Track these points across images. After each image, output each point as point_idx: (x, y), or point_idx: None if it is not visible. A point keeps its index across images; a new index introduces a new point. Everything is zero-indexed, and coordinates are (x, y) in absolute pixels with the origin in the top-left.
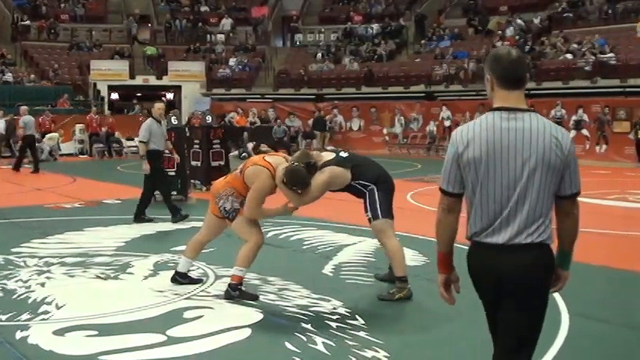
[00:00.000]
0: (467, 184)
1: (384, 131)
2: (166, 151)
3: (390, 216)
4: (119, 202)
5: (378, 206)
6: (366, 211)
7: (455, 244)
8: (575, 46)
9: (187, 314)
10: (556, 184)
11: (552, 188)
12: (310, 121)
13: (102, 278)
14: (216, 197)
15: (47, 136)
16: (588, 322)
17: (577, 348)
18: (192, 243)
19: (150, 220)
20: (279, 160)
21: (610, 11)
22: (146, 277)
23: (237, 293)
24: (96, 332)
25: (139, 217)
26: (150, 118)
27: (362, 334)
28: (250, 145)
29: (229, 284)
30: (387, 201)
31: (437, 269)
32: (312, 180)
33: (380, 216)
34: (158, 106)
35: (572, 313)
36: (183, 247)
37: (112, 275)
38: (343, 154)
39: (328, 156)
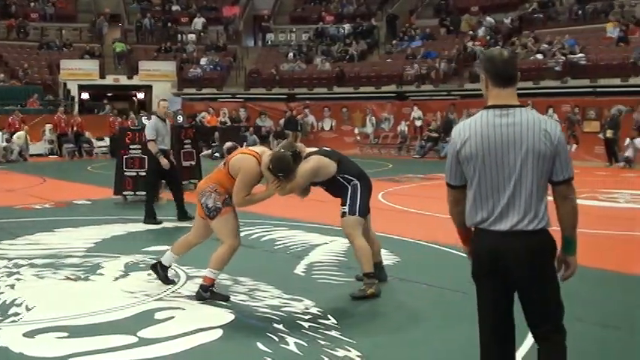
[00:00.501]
0: (468, 177)
1: (356, 131)
2: (138, 151)
3: (365, 215)
4: (89, 202)
5: (357, 203)
6: (344, 205)
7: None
8: (545, 46)
9: (159, 315)
10: (548, 172)
11: (545, 176)
12: (282, 121)
13: (72, 279)
14: (200, 195)
15: (15, 135)
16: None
17: None
18: (181, 240)
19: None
20: (263, 149)
21: (580, 12)
22: (117, 279)
23: (208, 294)
24: (66, 334)
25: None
26: (154, 117)
27: (334, 333)
28: (229, 144)
29: (201, 285)
30: (366, 199)
31: (462, 245)
32: (297, 168)
33: (356, 213)
34: (162, 104)
35: None
36: (154, 248)
37: (83, 276)
38: (327, 149)
39: (312, 149)
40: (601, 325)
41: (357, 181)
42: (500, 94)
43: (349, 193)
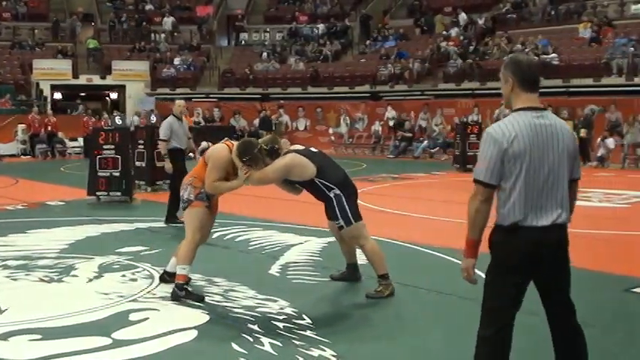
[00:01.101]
0: (508, 176)
1: (330, 131)
2: (111, 152)
3: (360, 217)
4: (63, 203)
5: (348, 212)
6: (337, 219)
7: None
8: (518, 46)
9: (133, 316)
10: (571, 170)
11: (570, 174)
12: (256, 121)
13: (45, 281)
14: (181, 189)
15: None
16: (530, 317)
17: (519, 342)
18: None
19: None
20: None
21: (553, 12)
22: (90, 280)
23: (183, 293)
24: (40, 336)
25: (171, 219)
26: (171, 116)
27: (309, 333)
28: (204, 145)
29: (175, 284)
30: (355, 205)
31: (464, 256)
32: (272, 162)
33: (353, 221)
34: (179, 103)
35: None
36: (128, 249)
37: (56, 278)
38: (313, 149)
39: (298, 147)
40: None
41: (338, 191)
42: (530, 97)
43: (335, 206)
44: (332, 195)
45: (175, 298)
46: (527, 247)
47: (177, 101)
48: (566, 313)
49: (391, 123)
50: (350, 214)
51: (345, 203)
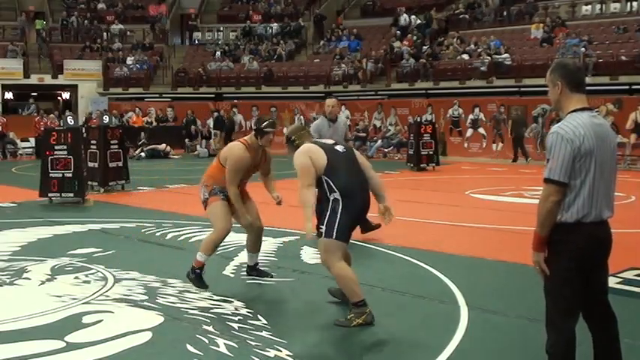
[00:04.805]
0: (578, 174)
1: (285, 131)
2: (64, 152)
3: (345, 238)
4: (14, 205)
5: (336, 225)
6: (321, 224)
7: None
8: (471, 47)
9: (86, 319)
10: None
11: None
12: (209, 121)
13: None
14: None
15: None
16: (486, 314)
17: (476, 340)
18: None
19: (377, 226)
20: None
21: (505, 13)
22: (43, 282)
23: (193, 276)
24: None
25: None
26: (321, 117)
27: (264, 334)
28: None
29: (191, 267)
30: (348, 222)
31: (535, 251)
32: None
33: (333, 236)
34: (328, 103)
35: (470, 307)
36: (80, 251)
37: (8, 281)
38: (339, 148)
39: (327, 141)
40: (527, 319)
41: (338, 196)
42: (581, 98)
43: (329, 209)
44: (330, 199)
45: (187, 276)
46: (590, 242)
47: (327, 100)
48: (607, 305)
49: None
50: (335, 229)
51: (338, 215)
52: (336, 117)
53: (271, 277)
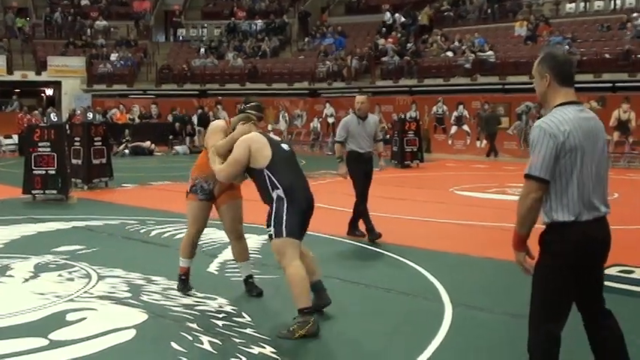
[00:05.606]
0: (563, 172)
1: (269, 127)
2: (47, 149)
3: (297, 235)
4: None
5: (283, 222)
6: (268, 226)
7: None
8: (455, 44)
9: (70, 317)
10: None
11: None
12: (194, 117)
13: None
14: None
15: None
16: (471, 311)
17: (461, 337)
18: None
19: (362, 235)
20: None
21: (489, 11)
22: (26, 280)
23: (178, 284)
24: None
25: (352, 232)
26: (351, 114)
27: (249, 331)
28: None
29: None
30: (296, 218)
31: (516, 250)
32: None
33: (283, 234)
34: (358, 100)
35: (455, 304)
36: (64, 248)
37: None
38: (278, 139)
39: (273, 136)
40: (511, 315)
41: (282, 194)
42: (569, 92)
43: (273, 211)
44: (274, 195)
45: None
46: (583, 241)
47: (357, 97)
48: (603, 304)
49: (330, 120)
50: (284, 226)
51: (283, 213)
52: (366, 114)
53: (261, 296)
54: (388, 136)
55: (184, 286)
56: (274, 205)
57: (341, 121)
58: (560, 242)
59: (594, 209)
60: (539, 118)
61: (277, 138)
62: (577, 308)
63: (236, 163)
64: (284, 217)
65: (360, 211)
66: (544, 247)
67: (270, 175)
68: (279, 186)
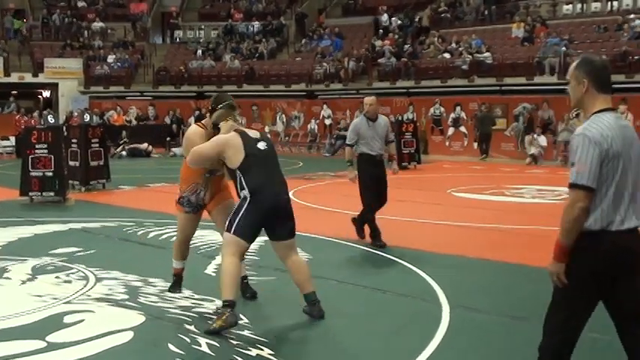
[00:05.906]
0: (604, 179)
1: (266, 129)
2: (44, 151)
3: (244, 236)
4: None
5: (236, 221)
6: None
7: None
8: (452, 45)
9: (67, 319)
10: None
11: None
12: (191, 119)
13: None
14: None
15: None
16: (469, 313)
17: (459, 338)
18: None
19: (362, 238)
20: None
21: (486, 12)
22: (24, 282)
23: (171, 286)
24: None
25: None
26: (361, 116)
27: (246, 332)
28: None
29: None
30: (249, 220)
31: (555, 261)
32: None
33: (231, 231)
34: (367, 101)
35: (452, 305)
36: (61, 250)
37: None
38: (261, 145)
39: (249, 131)
40: (509, 317)
41: (247, 194)
42: (607, 99)
43: (236, 205)
44: (242, 194)
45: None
46: (613, 252)
47: (365, 98)
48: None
49: (327, 122)
50: (236, 223)
51: (242, 210)
52: (376, 116)
53: (255, 297)
54: None
55: (175, 288)
56: (239, 202)
57: (351, 124)
58: (587, 250)
59: (629, 218)
60: (543, 121)
61: (256, 135)
62: (611, 319)
63: (199, 156)
64: (239, 216)
65: (368, 219)
66: (571, 255)
67: (240, 175)
68: (245, 187)
